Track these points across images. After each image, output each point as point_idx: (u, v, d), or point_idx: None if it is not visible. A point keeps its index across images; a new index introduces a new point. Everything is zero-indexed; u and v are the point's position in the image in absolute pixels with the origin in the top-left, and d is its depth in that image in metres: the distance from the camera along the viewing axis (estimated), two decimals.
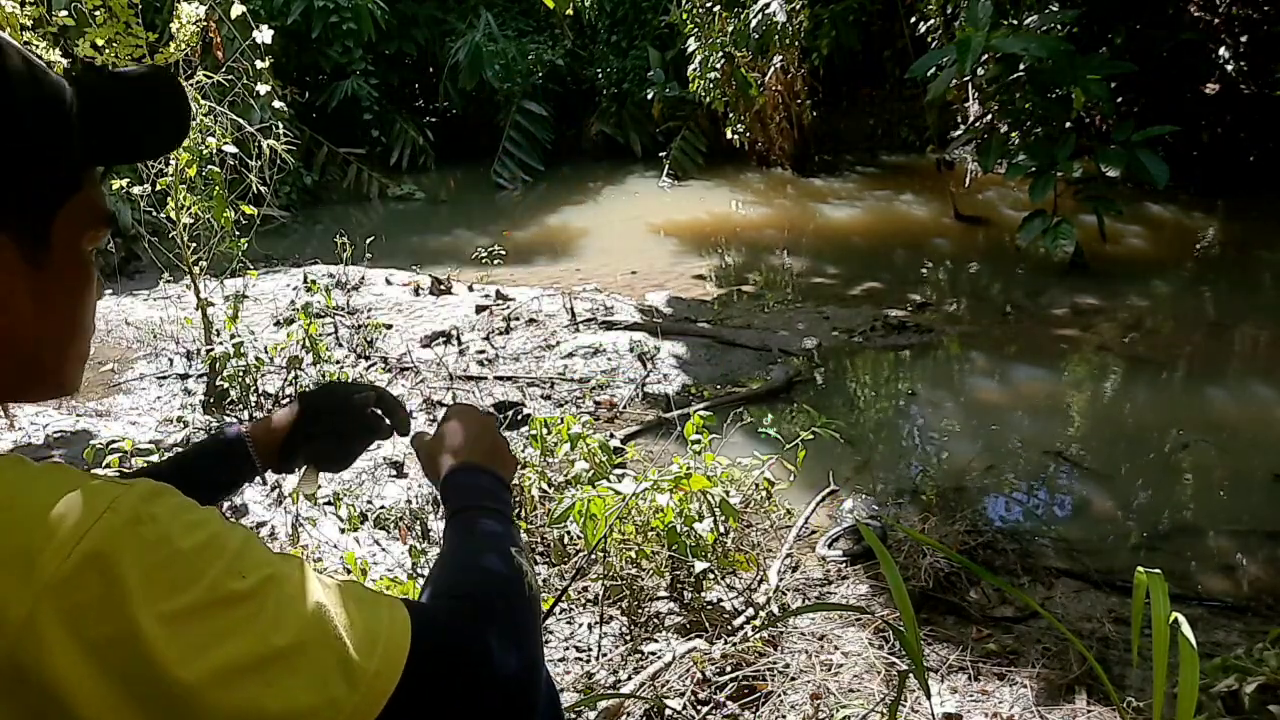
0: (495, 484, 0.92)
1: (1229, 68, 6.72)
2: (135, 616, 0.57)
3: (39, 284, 0.69)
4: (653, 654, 2.07)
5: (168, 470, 1.07)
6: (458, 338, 4.37)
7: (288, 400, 1.14)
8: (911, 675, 1.42)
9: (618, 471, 2.69)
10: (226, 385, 3.51)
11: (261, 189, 3.51)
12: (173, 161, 3.31)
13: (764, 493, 2.75)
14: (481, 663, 0.68)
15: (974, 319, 4.74)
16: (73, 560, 0.57)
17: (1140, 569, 1.30)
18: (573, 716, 1.89)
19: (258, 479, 1.14)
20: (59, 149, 0.68)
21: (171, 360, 4.18)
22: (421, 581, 2.23)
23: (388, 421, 1.12)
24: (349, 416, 1.11)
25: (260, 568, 0.63)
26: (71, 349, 0.75)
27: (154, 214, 3.50)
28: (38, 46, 3.14)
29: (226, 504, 2.80)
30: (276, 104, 3.70)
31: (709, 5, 7.35)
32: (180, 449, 3.14)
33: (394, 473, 3.08)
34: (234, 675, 0.59)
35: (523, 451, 2.91)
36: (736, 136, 8.09)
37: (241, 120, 3.49)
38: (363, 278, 5.24)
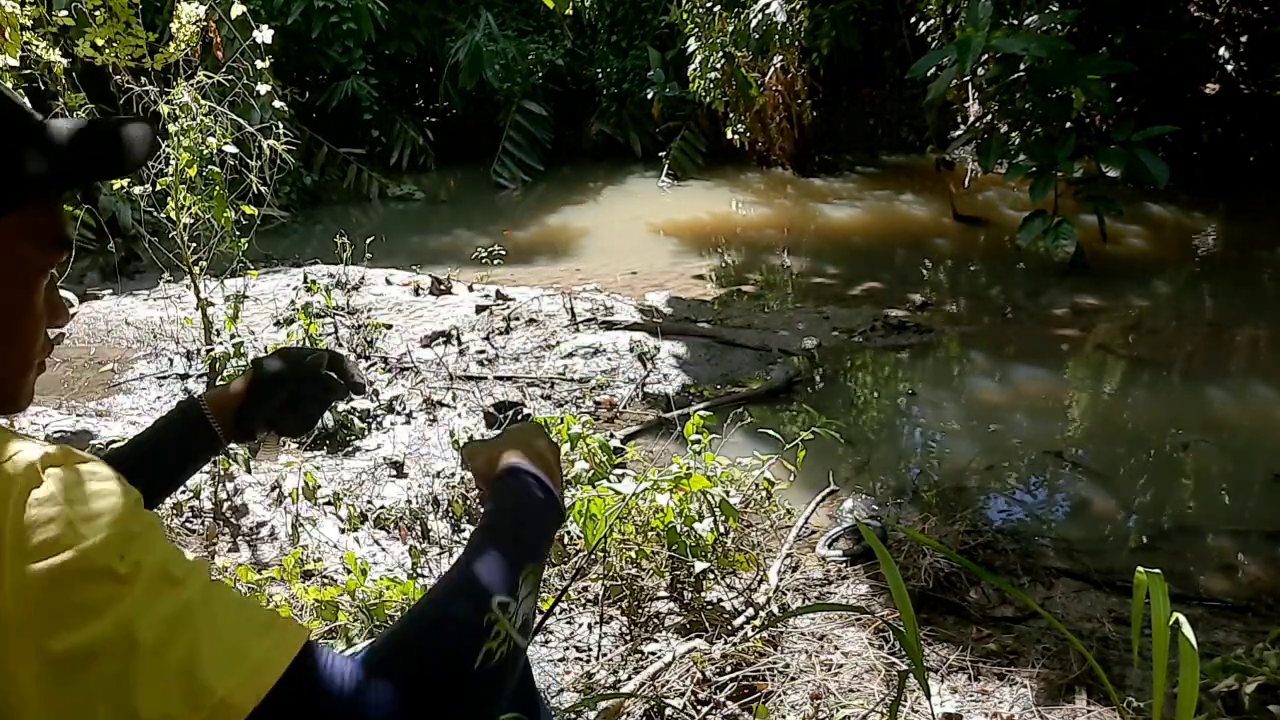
0: (546, 498, 0.86)
1: (1229, 68, 6.72)
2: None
3: None
4: (653, 654, 2.07)
5: (128, 449, 1.07)
6: (458, 338, 4.37)
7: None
8: (911, 675, 1.42)
9: (618, 471, 2.69)
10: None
11: (262, 189, 3.51)
12: (173, 161, 3.31)
13: (764, 493, 2.75)
14: None
15: (974, 319, 4.74)
16: None
17: (1140, 569, 1.30)
18: (573, 717, 1.89)
19: (221, 451, 1.14)
20: None
21: (171, 360, 4.18)
22: (421, 582, 2.23)
23: (342, 382, 1.13)
24: (302, 380, 1.11)
25: (144, 553, 0.60)
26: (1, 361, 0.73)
27: (154, 214, 3.50)
28: (38, 46, 3.14)
29: (227, 505, 2.80)
30: (276, 104, 3.70)
31: (709, 5, 7.35)
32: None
33: (394, 473, 3.08)
34: (77, 660, 0.56)
35: None
36: (736, 136, 8.08)
37: (242, 120, 3.48)
38: (363, 278, 5.24)
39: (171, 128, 3.30)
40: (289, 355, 1.13)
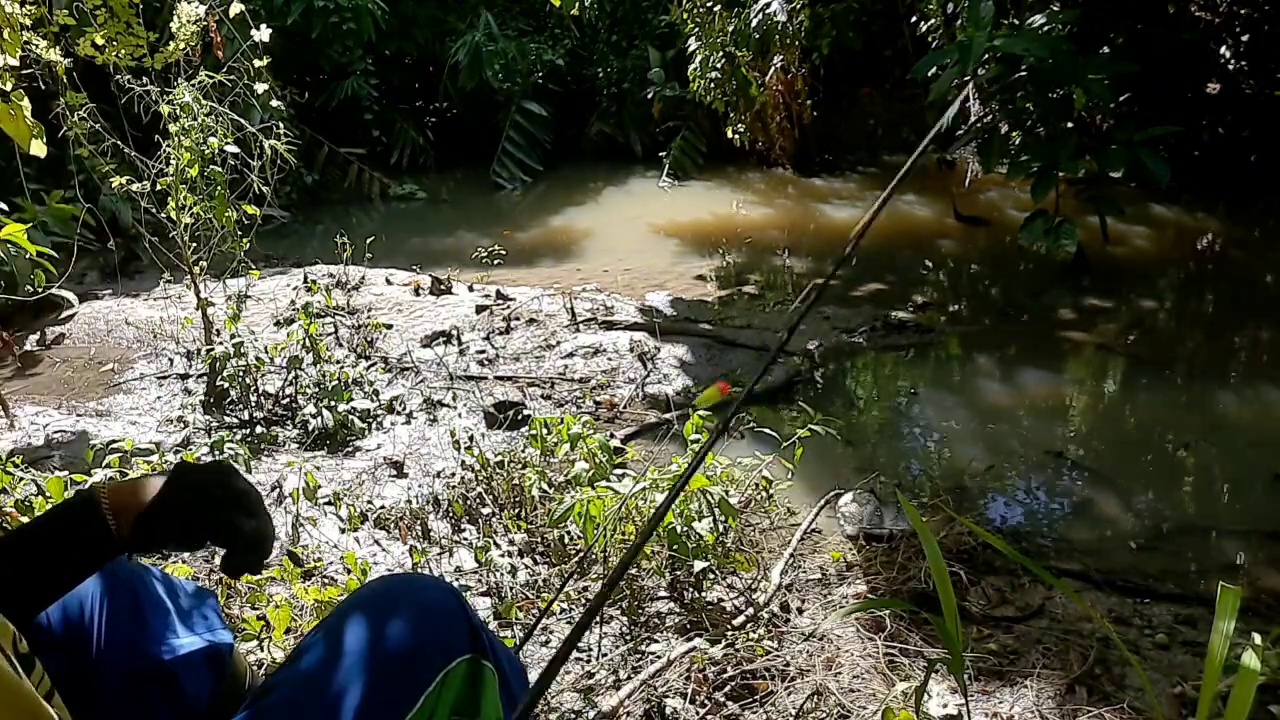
0: None
1: (1230, 67, 6.72)
2: None
3: None
4: (653, 654, 2.07)
5: (16, 540, 0.95)
6: (458, 338, 4.37)
7: (159, 473, 1.05)
8: (933, 667, 1.42)
9: (618, 471, 2.68)
10: (226, 385, 3.51)
11: (262, 189, 3.51)
12: (174, 161, 3.31)
13: (764, 492, 2.75)
14: None
15: (975, 319, 4.73)
16: None
17: (1223, 584, 1.27)
18: (573, 717, 1.89)
19: (113, 558, 0.98)
20: None
21: (171, 360, 4.18)
22: None
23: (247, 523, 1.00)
24: (220, 503, 1.00)
25: None
26: None
27: (154, 214, 3.50)
28: (38, 46, 3.14)
29: None
30: (277, 104, 3.70)
31: (709, 5, 7.35)
32: (179, 450, 3.14)
33: (394, 473, 3.08)
34: None
35: (523, 451, 2.91)
36: (737, 136, 8.08)
37: (242, 120, 3.48)
38: (363, 278, 5.24)
39: (173, 128, 3.30)
40: (215, 473, 1.01)
